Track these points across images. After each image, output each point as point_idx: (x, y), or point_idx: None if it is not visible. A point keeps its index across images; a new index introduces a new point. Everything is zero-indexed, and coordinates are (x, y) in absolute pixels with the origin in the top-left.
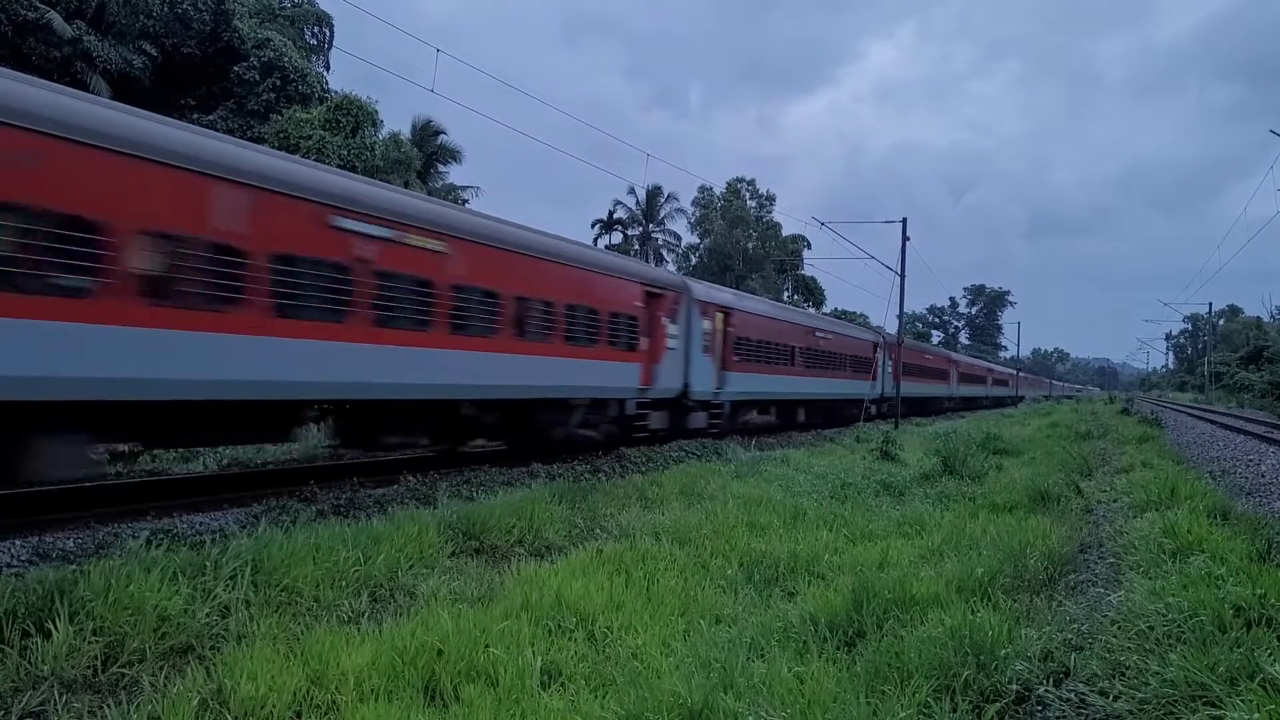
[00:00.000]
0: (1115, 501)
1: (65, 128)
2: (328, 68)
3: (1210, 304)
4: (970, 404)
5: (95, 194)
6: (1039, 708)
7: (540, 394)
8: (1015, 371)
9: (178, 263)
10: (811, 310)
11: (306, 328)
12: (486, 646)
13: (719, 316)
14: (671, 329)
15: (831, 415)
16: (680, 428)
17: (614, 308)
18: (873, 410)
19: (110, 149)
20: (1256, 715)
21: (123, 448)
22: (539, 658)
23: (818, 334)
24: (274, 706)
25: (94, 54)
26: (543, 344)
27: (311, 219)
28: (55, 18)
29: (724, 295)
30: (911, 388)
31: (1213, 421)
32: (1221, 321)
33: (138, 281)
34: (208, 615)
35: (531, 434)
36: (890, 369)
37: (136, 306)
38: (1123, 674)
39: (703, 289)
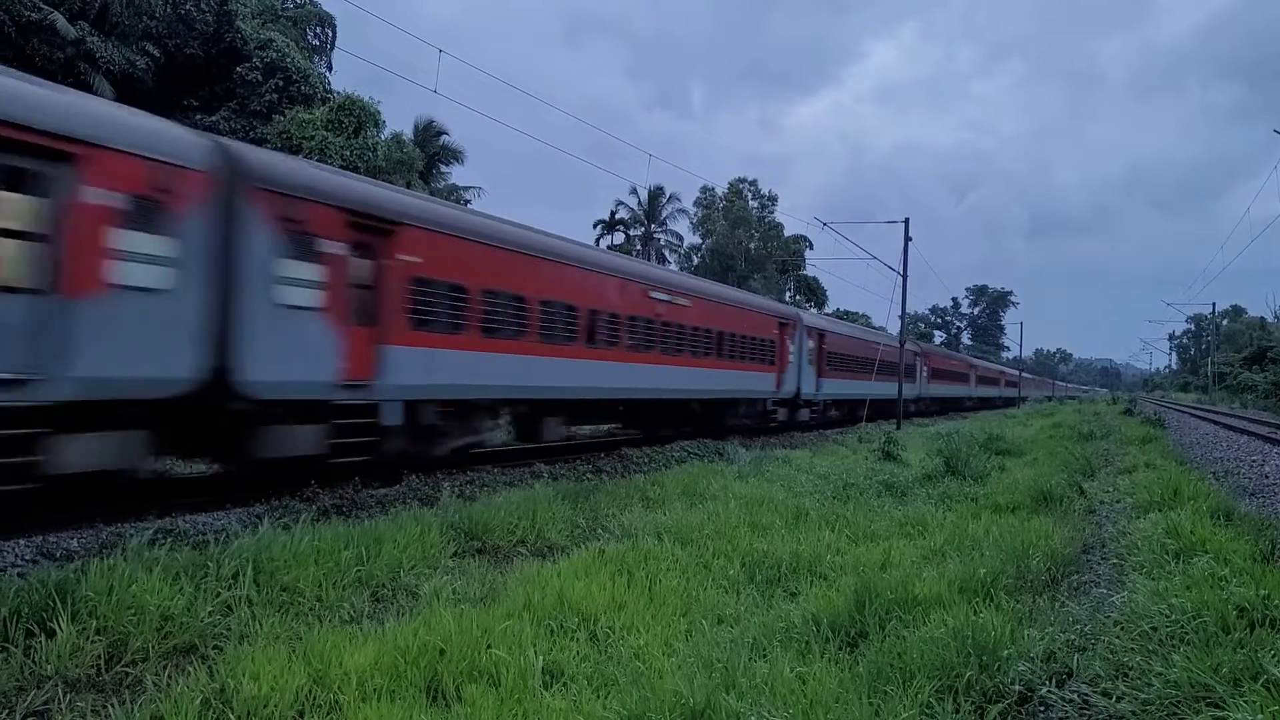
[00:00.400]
0: (1118, 502)
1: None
2: (330, 68)
3: (1214, 304)
4: (986, 403)
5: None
6: (1042, 708)
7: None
8: (1018, 372)
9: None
10: (882, 329)
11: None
12: (489, 646)
13: (817, 336)
14: (792, 348)
15: (888, 408)
16: (793, 420)
17: (766, 334)
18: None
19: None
20: (1260, 716)
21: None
22: (541, 658)
23: (881, 348)
24: (276, 706)
25: (97, 55)
26: (736, 362)
27: (639, 292)
28: (59, 19)
29: (821, 321)
30: (938, 389)
31: (1216, 422)
32: (1225, 322)
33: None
34: (210, 615)
35: (719, 419)
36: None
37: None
38: (1126, 675)
39: (809, 317)
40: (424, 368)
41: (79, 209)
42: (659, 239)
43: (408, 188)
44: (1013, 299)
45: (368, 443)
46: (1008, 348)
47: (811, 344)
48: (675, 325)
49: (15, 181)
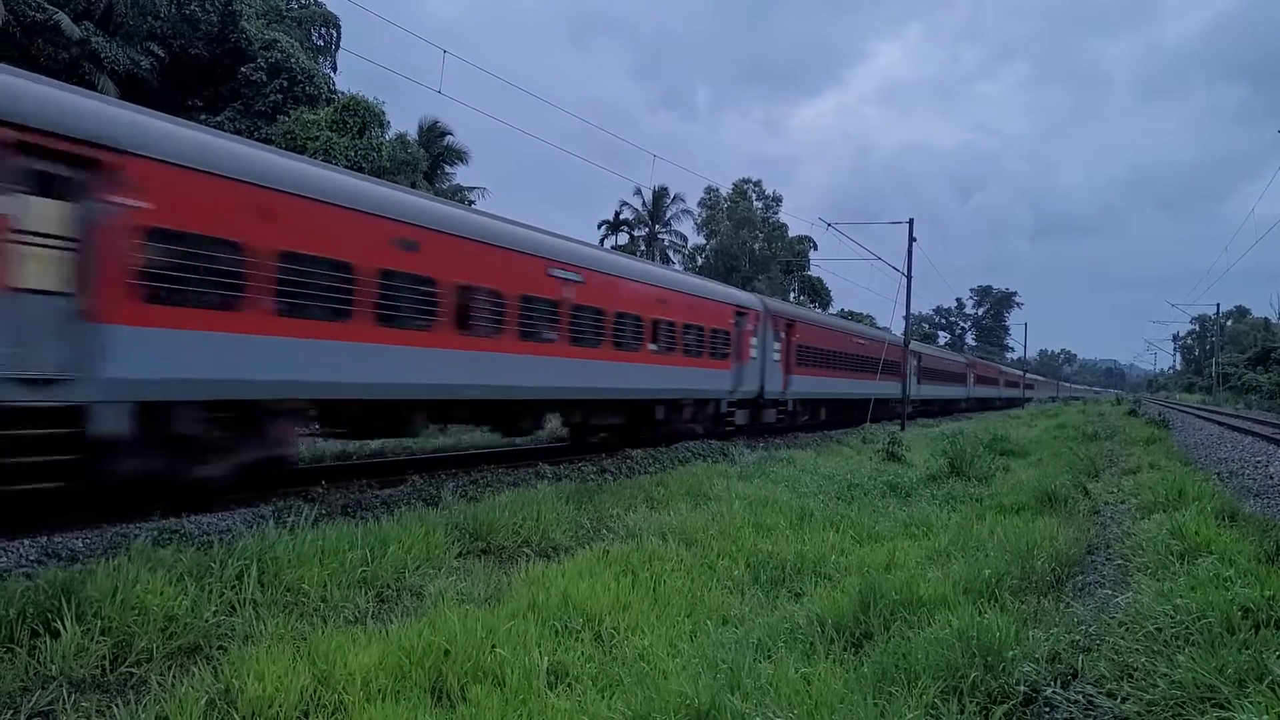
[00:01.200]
0: (1123, 503)
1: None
2: (335, 69)
3: (1218, 305)
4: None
5: None
6: (1047, 709)
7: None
8: (1022, 372)
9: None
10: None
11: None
12: (493, 647)
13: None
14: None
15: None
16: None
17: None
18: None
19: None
20: (1265, 717)
21: None
22: (546, 658)
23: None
24: (281, 706)
25: (102, 55)
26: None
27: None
28: (63, 19)
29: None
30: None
31: (1220, 423)
32: (1229, 322)
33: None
34: (215, 615)
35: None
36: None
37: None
38: (1130, 676)
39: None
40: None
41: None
42: (663, 239)
43: (413, 188)
44: (1017, 299)
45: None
46: (1012, 348)
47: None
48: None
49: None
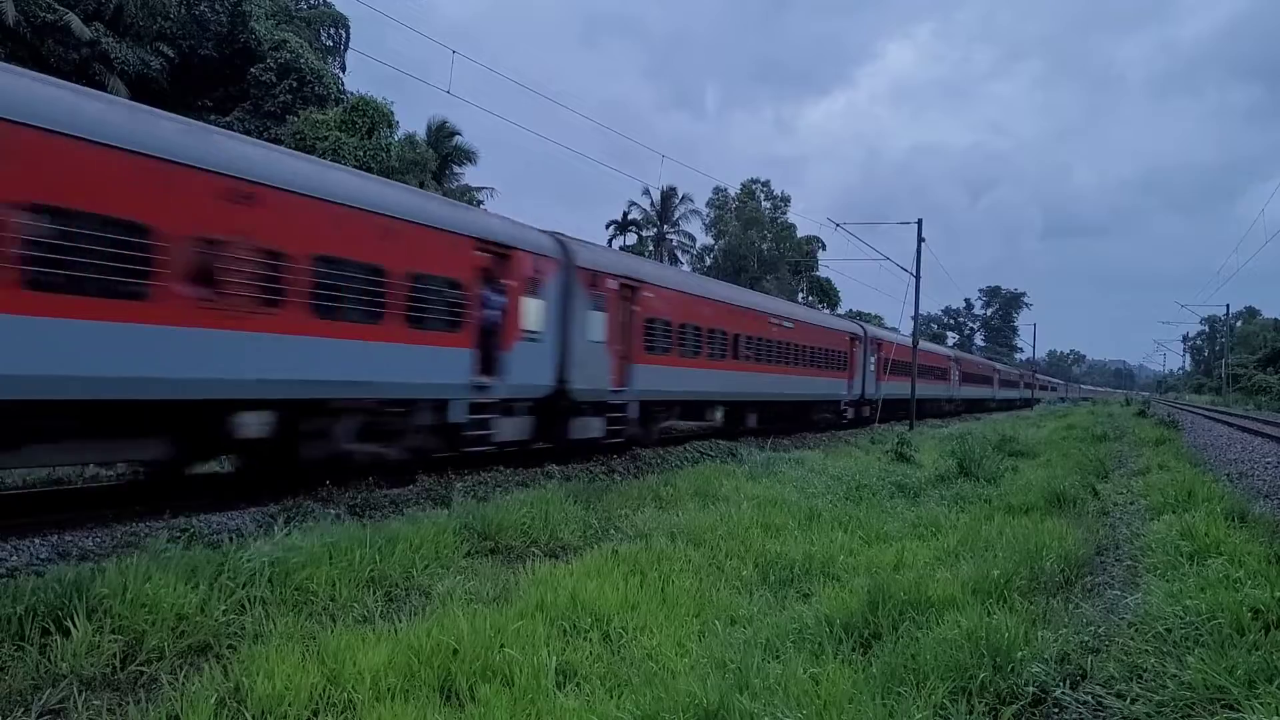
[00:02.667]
0: (1132, 504)
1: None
2: (344, 69)
3: (1228, 306)
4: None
5: None
6: (1056, 710)
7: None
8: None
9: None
10: (894, 330)
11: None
12: (502, 646)
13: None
14: (859, 357)
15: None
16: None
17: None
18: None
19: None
20: (1275, 718)
21: None
22: (554, 658)
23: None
24: (291, 705)
25: (112, 56)
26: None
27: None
28: (74, 20)
29: (881, 333)
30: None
31: (1230, 424)
32: (1239, 323)
33: None
34: (225, 614)
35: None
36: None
37: None
38: (1140, 676)
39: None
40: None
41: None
42: (671, 240)
43: (420, 188)
44: (1026, 300)
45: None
46: (1021, 349)
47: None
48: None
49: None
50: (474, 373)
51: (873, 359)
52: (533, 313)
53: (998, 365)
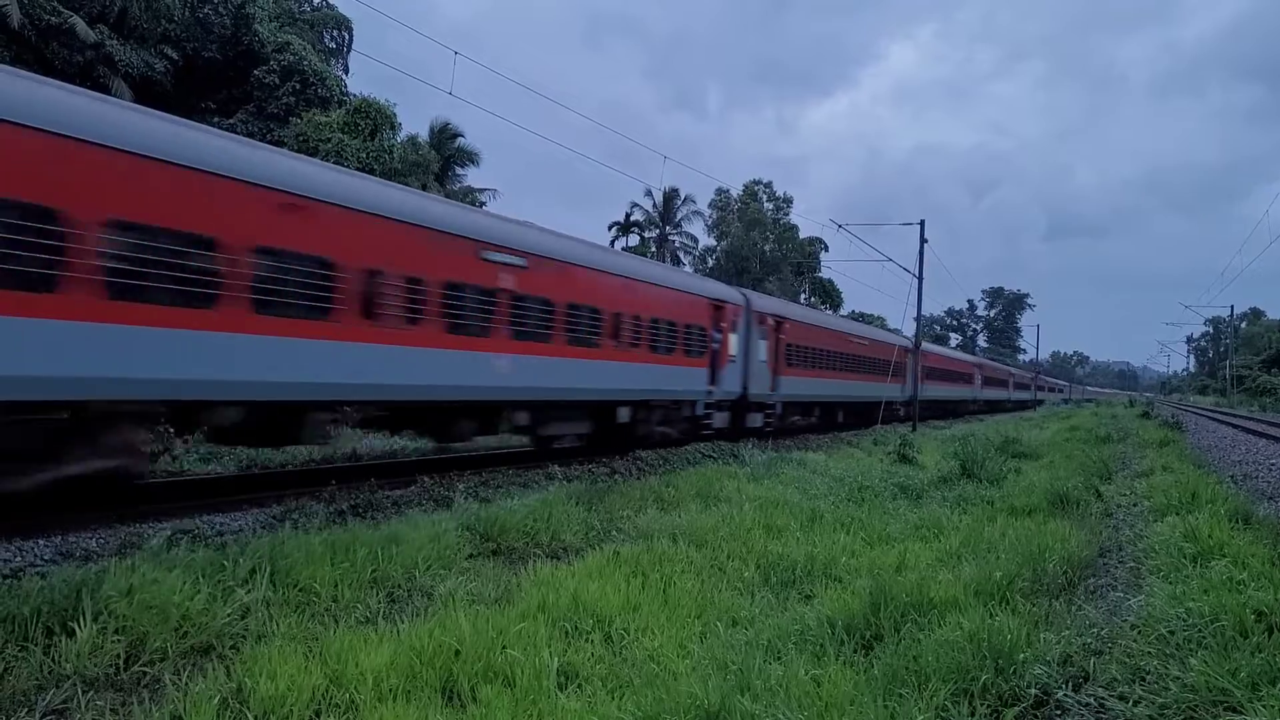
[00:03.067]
0: (1135, 505)
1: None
2: (347, 71)
3: (1232, 307)
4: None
5: None
6: (1058, 712)
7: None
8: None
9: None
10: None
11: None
12: (504, 647)
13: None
14: (734, 338)
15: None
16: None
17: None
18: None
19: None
20: None
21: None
22: (556, 659)
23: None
24: (293, 705)
25: (116, 58)
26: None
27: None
28: (78, 22)
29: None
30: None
31: (1234, 425)
32: (1243, 324)
33: None
34: (228, 615)
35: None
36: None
37: None
38: (1143, 679)
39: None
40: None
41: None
42: (674, 241)
43: (423, 190)
44: (1029, 301)
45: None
46: (1024, 350)
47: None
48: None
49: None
50: (708, 384)
51: (919, 367)
52: (732, 343)
53: (1012, 369)
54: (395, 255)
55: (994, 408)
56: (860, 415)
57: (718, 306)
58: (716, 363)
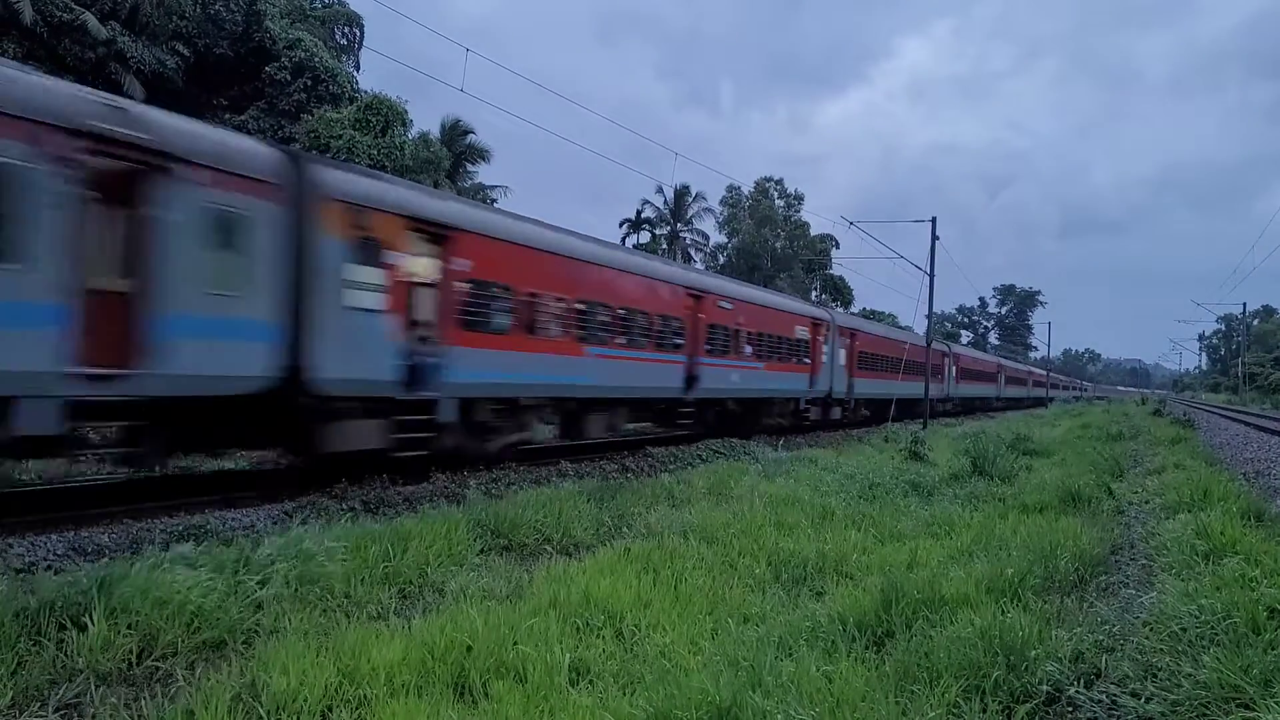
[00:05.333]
0: (1147, 503)
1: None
2: (358, 68)
3: (1244, 304)
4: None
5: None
6: (1070, 709)
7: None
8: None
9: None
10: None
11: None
12: (515, 643)
13: (850, 335)
14: (825, 348)
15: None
16: (826, 418)
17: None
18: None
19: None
20: None
21: None
22: (567, 655)
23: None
24: (305, 701)
25: (128, 55)
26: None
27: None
28: (90, 19)
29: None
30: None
31: (1246, 423)
32: (1256, 322)
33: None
34: (240, 610)
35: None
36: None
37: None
38: (1155, 676)
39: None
40: None
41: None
42: (685, 238)
43: (434, 186)
44: (1041, 299)
45: None
46: (1035, 347)
47: (844, 344)
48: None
49: None
50: (808, 385)
51: (953, 368)
52: (824, 352)
53: (1033, 369)
54: (651, 303)
55: (1013, 404)
56: (907, 408)
57: (815, 324)
58: (814, 368)
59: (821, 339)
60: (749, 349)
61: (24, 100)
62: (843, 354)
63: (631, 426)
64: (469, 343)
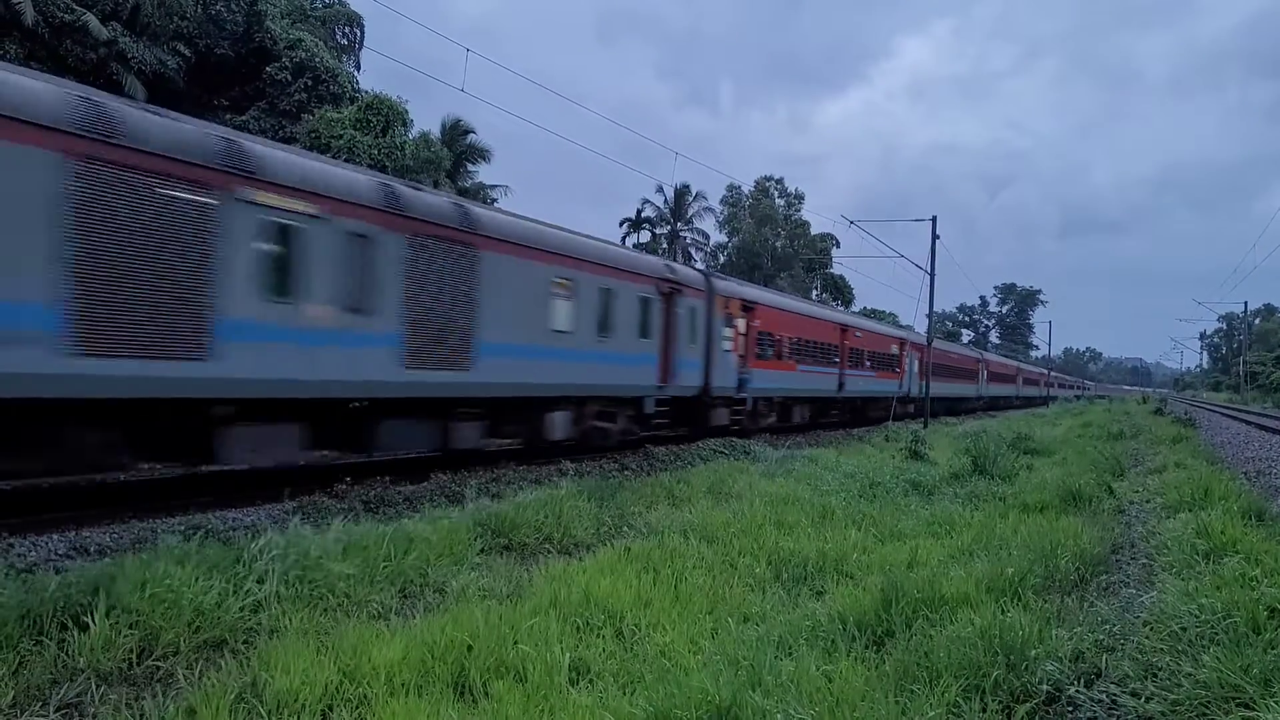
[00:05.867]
0: (1148, 502)
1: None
2: (359, 68)
3: (1245, 303)
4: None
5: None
6: (1070, 708)
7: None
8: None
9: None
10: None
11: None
12: (515, 643)
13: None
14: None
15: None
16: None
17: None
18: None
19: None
20: None
21: None
22: (567, 654)
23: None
24: (306, 700)
25: (129, 55)
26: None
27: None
28: (91, 19)
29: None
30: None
31: (1248, 422)
32: (1257, 321)
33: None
34: (241, 610)
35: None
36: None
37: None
38: (1155, 675)
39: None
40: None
41: None
42: (685, 237)
43: (435, 186)
44: (1041, 298)
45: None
46: (1036, 346)
47: (917, 356)
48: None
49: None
50: (898, 389)
51: (986, 371)
52: (906, 362)
53: (1050, 372)
54: (823, 334)
55: (1029, 402)
56: (951, 405)
57: (901, 342)
58: (901, 375)
59: (903, 353)
60: (869, 363)
61: (645, 266)
62: (916, 364)
63: (808, 412)
64: (757, 365)
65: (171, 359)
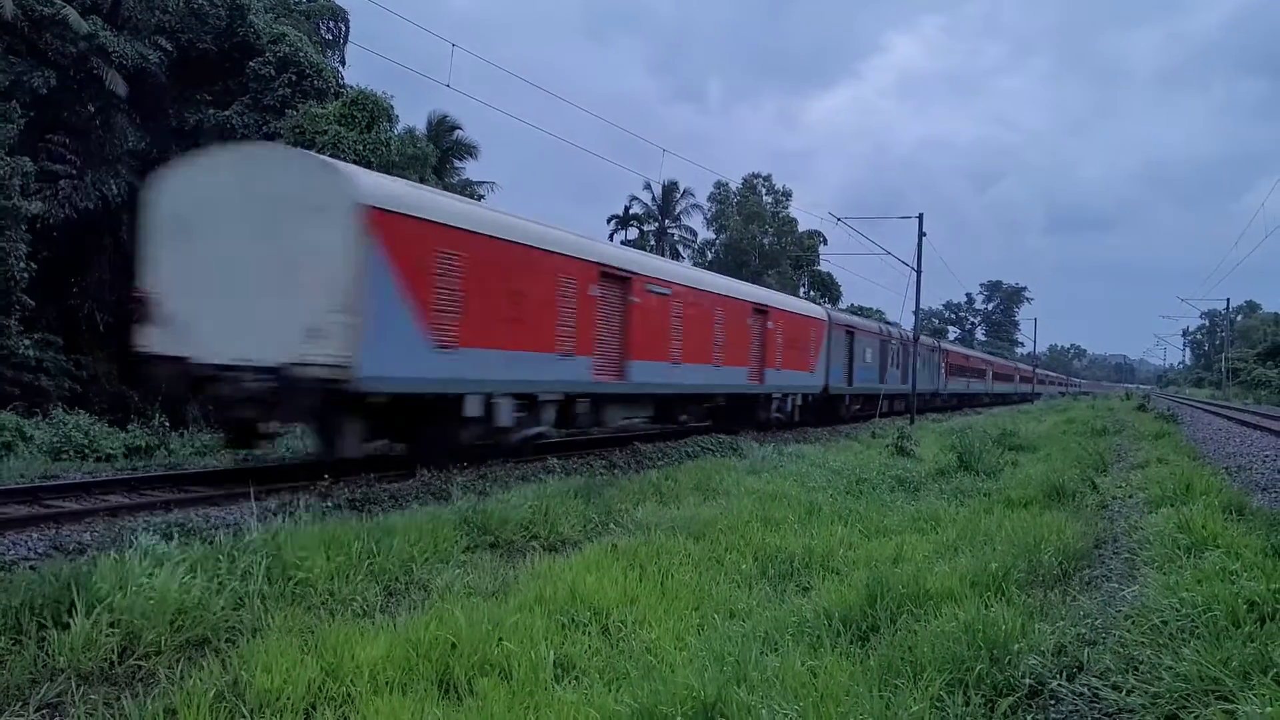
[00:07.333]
0: (1130, 497)
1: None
2: (343, 63)
3: (1228, 300)
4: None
5: None
6: (1052, 701)
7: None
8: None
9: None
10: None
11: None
12: (500, 640)
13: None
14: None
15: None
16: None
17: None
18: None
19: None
20: (1269, 709)
21: None
22: (552, 651)
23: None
24: (289, 698)
25: (110, 49)
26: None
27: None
28: (71, 13)
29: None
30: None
31: (1229, 418)
32: (1239, 317)
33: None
34: (223, 608)
35: None
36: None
37: None
38: (1136, 668)
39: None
40: None
41: None
42: (673, 234)
43: (421, 182)
44: (1027, 294)
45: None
46: (1021, 343)
47: (942, 358)
48: (963, 365)
49: None
50: (934, 384)
51: (991, 372)
52: (938, 364)
53: (1048, 370)
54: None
55: (1025, 398)
56: (968, 402)
57: (932, 349)
58: (935, 374)
59: (936, 358)
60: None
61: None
62: (944, 365)
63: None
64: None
65: None
